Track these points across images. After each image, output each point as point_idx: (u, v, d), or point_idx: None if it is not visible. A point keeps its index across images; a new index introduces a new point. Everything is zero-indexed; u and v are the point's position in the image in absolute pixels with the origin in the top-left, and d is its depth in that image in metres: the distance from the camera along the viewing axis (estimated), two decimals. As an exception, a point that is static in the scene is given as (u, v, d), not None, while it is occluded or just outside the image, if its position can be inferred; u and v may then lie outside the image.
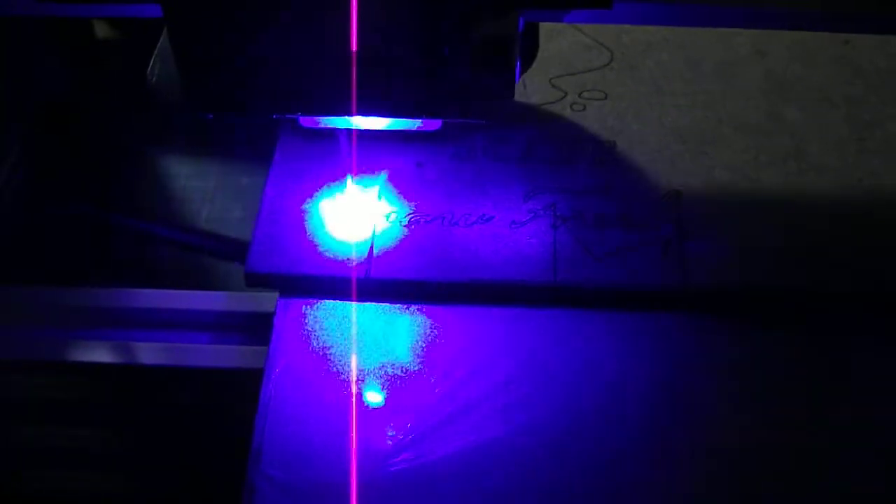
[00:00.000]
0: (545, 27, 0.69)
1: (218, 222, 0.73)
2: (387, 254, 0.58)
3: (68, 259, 0.70)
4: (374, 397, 0.53)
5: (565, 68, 0.68)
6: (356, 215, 0.60)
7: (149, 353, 0.61)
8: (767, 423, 0.53)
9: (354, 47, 0.45)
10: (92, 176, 0.76)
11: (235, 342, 0.61)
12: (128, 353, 0.62)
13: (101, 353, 0.61)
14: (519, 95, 0.66)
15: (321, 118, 0.58)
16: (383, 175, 0.61)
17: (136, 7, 0.46)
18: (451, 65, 0.47)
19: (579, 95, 0.67)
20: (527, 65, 0.60)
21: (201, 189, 0.76)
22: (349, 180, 0.60)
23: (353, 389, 0.55)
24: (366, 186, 0.61)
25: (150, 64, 0.53)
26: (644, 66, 0.68)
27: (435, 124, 0.59)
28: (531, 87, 0.67)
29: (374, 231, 0.59)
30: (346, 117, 0.56)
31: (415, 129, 0.57)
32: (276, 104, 0.48)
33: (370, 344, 0.56)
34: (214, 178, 0.76)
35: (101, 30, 0.88)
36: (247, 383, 0.57)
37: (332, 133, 0.62)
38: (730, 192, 0.62)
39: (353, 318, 0.57)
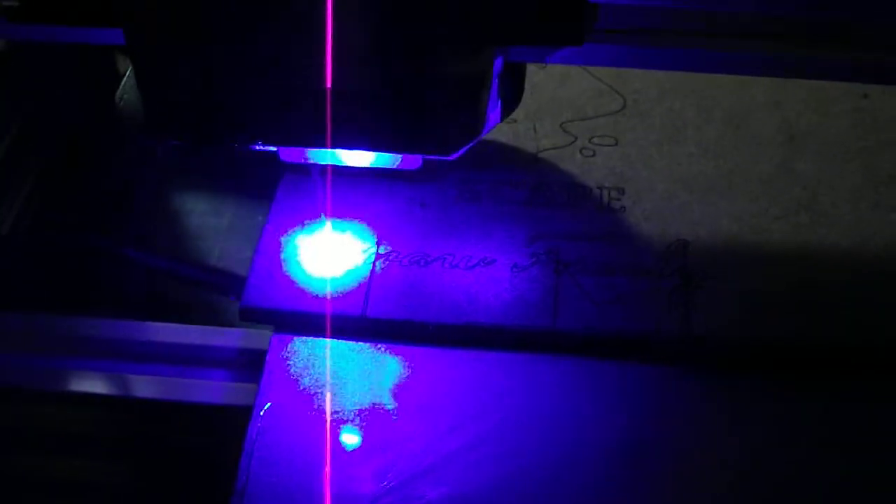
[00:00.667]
0: (557, 71, 0.69)
1: (230, 259, 0.73)
2: (384, 293, 0.58)
3: (77, 290, 0.70)
4: (351, 439, 0.52)
5: (576, 113, 0.67)
6: (355, 253, 0.59)
7: (146, 386, 0.61)
8: (763, 482, 0.52)
9: (324, 80, 0.44)
10: (107, 209, 0.76)
11: (236, 378, 0.61)
12: (124, 386, 0.61)
13: (96, 385, 0.61)
14: (528, 139, 0.66)
15: (305, 153, 0.57)
16: (382, 211, 0.61)
17: (100, 32, 0.45)
18: (419, 99, 0.46)
19: (589, 140, 0.66)
20: (510, 106, 0.59)
21: (215, 226, 0.76)
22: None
23: (341, 431, 0.54)
24: (365, 224, 0.61)
25: (121, 86, 0.53)
26: (655, 113, 0.68)
27: (416, 161, 0.58)
28: (541, 131, 0.66)
29: (373, 270, 0.59)
30: (327, 151, 0.55)
31: (395, 166, 0.56)
32: (236, 133, 0.47)
33: (362, 385, 0.55)
34: (229, 217, 0.76)
35: (124, 65, 0.89)
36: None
37: (336, 171, 0.62)
38: (738, 244, 0.60)
39: (347, 358, 0.56)
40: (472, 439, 0.53)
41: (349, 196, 0.62)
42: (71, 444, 0.63)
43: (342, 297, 0.57)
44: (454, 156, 0.58)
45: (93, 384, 0.61)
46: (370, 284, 0.58)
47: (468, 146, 0.57)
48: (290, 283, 0.58)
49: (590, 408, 0.54)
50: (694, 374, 0.55)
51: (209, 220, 0.76)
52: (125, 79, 0.67)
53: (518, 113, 0.66)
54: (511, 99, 0.60)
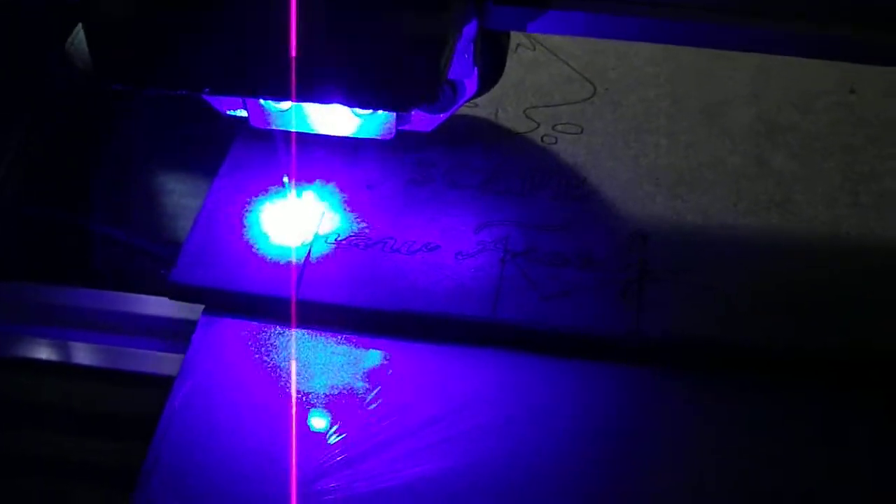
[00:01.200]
0: (527, 57, 0.66)
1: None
2: (319, 276, 0.54)
3: (42, 260, 0.68)
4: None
5: (542, 100, 0.64)
6: (295, 233, 0.56)
7: (88, 353, 0.59)
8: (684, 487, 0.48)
9: (279, 26, 0.42)
10: (87, 183, 0.74)
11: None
12: (67, 353, 0.59)
13: (39, 351, 0.59)
14: (489, 124, 0.63)
15: (272, 120, 0.55)
16: (329, 189, 0.58)
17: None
18: (376, 50, 0.43)
19: (553, 128, 0.62)
20: (488, 79, 0.56)
21: (192, 208, 0.74)
22: (287, 190, 0.57)
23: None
24: (310, 202, 0.58)
25: (74, 30, 0.50)
26: (627, 102, 0.64)
27: (389, 132, 0.55)
28: (503, 116, 0.63)
29: (309, 251, 0.56)
30: (297, 118, 0.53)
31: (367, 135, 0.54)
32: (184, 79, 0.45)
33: (286, 370, 0.52)
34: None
35: None
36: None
37: (288, 142, 0.59)
38: (702, 239, 0.57)
39: (275, 342, 0.53)
40: (395, 434, 0.50)
41: (299, 171, 0.59)
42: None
43: (274, 278, 0.54)
44: (429, 125, 0.57)
45: (38, 350, 0.59)
46: (304, 266, 0.55)
47: (438, 113, 0.56)
48: (223, 260, 0.55)
49: (520, 406, 0.51)
50: (640, 373, 0.52)
51: (188, 202, 0.74)
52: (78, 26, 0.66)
53: (480, 97, 0.64)
54: (489, 71, 0.57)
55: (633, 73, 0.66)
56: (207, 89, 0.44)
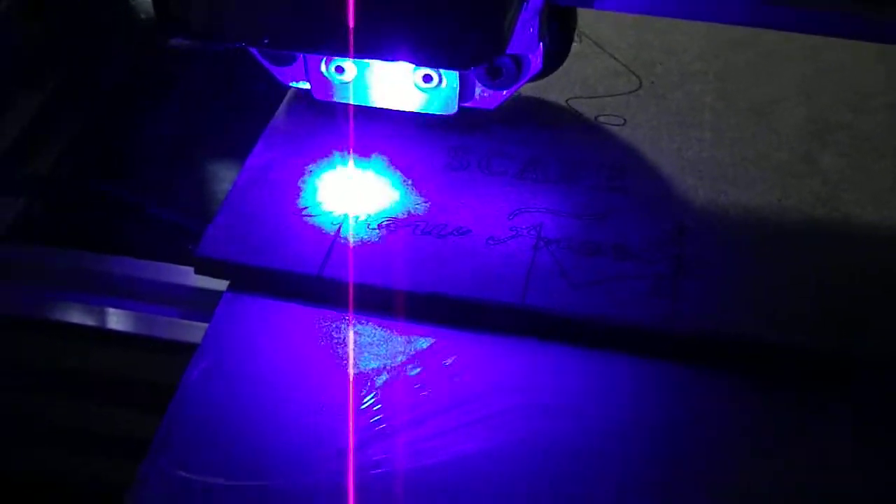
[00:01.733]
0: (573, 50, 0.65)
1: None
2: (346, 256, 0.53)
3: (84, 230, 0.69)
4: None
5: (586, 91, 0.63)
6: (325, 213, 0.55)
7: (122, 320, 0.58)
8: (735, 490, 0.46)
9: None
10: (149, 169, 0.75)
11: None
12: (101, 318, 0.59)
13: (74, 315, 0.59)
14: (530, 113, 0.61)
15: (334, 92, 0.55)
16: (363, 170, 0.58)
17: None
18: (437, 9, 0.42)
19: (595, 119, 0.61)
20: (553, 59, 0.56)
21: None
22: (342, 164, 0.57)
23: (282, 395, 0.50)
24: (342, 182, 0.57)
25: None
26: (673, 97, 0.62)
27: (451, 106, 0.56)
28: (545, 105, 0.62)
29: (338, 231, 0.55)
30: (360, 90, 0.52)
31: (433, 112, 0.54)
32: (243, 32, 0.44)
33: (309, 353, 0.51)
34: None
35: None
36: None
37: (338, 113, 0.59)
38: (742, 235, 0.55)
39: (298, 322, 0.52)
40: (412, 419, 0.48)
41: (336, 153, 0.59)
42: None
43: (300, 255, 0.54)
44: (492, 101, 0.57)
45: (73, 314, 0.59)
46: (332, 246, 0.54)
47: (501, 89, 0.55)
48: (249, 236, 0.54)
49: (550, 396, 0.49)
50: (670, 368, 0.50)
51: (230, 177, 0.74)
52: None
53: (523, 87, 0.63)
54: (555, 49, 0.57)
55: (681, 68, 0.64)
56: (266, 41, 0.43)
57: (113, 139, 0.78)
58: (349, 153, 0.58)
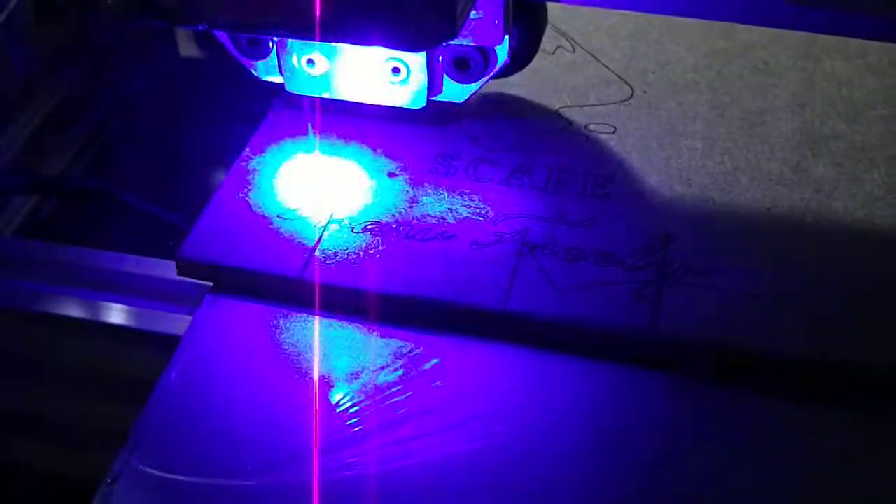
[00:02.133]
0: (565, 60, 0.64)
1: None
2: (328, 258, 0.53)
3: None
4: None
5: (578, 100, 0.62)
6: (310, 216, 0.55)
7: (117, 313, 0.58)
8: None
9: None
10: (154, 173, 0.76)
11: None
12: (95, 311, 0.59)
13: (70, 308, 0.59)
14: (519, 121, 0.61)
15: (306, 85, 0.55)
16: (349, 173, 0.57)
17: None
18: None
19: (585, 127, 0.61)
20: (520, 56, 0.56)
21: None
22: (327, 168, 0.57)
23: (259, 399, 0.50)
24: (327, 185, 0.57)
25: None
26: (665, 106, 0.62)
27: (420, 100, 0.56)
28: (535, 113, 0.61)
29: (321, 234, 0.54)
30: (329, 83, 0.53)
31: (403, 105, 0.55)
32: (210, 15, 0.45)
33: (287, 353, 0.51)
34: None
35: (185, 48, 0.89)
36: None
37: (325, 119, 0.59)
38: (729, 242, 0.54)
39: (278, 324, 0.52)
40: (385, 422, 0.48)
41: (321, 154, 0.59)
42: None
43: (283, 258, 0.53)
44: (460, 94, 0.57)
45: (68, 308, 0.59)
46: (315, 248, 0.54)
47: (469, 82, 0.56)
48: (232, 238, 0.54)
49: (525, 400, 0.48)
50: (650, 376, 0.49)
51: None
52: None
53: (513, 94, 0.62)
54: (523, 45, 0.57)
55: (674, 78, 0.64)
56: (228, 24, 0.44)
57: (116, 142, 0.79)
58: (334, 158, 0.58)
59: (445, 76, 0.57)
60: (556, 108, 0.62)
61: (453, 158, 0.59)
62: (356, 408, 0.48)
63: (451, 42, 0.55)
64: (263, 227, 0.55)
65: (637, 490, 0.45)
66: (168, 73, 0.84)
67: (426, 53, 0.55)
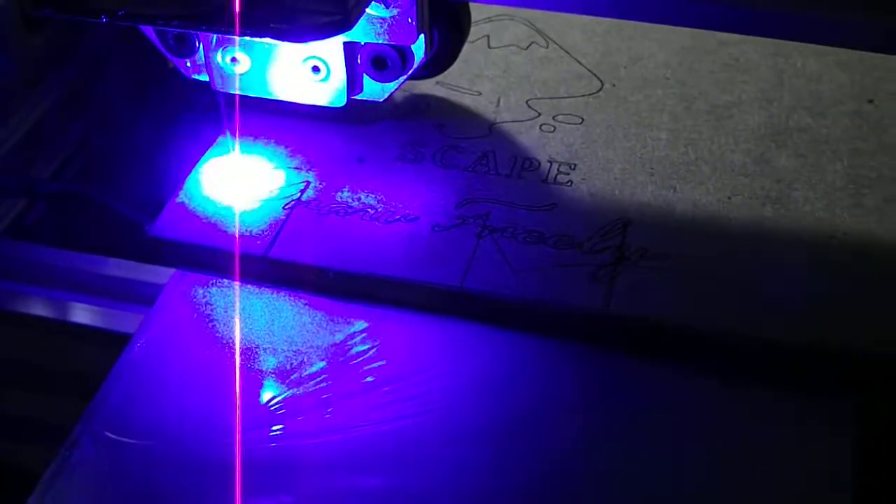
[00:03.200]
0: (538, 54, 0.66)
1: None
2: (293, 237, 0.54)
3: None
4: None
5: (548, 93, 0.64)
6: (278, 198, 0.56)
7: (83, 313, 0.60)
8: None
9: None
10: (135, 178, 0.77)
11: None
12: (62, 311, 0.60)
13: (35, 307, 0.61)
14: (488, 112, 0.62)
15: (232, 83, 0.57)
16: (317, 159, 0.59)
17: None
18: None
19: (553, 118, 0.62)
20: (441, 57, 0.57)
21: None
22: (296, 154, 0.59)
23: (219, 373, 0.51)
24: (295, 171, 0.58)
25: None
26: (633, 99, 0.63)
27: (339, 99, 0.57)
28: (504, 105, 0.62)
29: (289, 215, 0.56)
30: (253, 84, 0.54)
31: (323, 104, 0.56)
32: (106, 7, 0.46)
33: (252, 330, 0.52)
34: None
35: None
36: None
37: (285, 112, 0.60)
38: (688, 229, 0.55)
39: (240, 301, 0.53)
40: (349, 390, 0.49)
41: (289, 140, 0.60)
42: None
43: (249, 236, 0.54)
44: (379, 94, 0.57)
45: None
46: (281, 227, 0.55)
47: (385, 81, 0.57)
48: (201, 219, 0.55)
49: (477, 376, 0.49)
50: (604, 354, 0.50)
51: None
52: None
53: (484, 86, 0.64)
54: (442, 45, 0.58)
55: (644, 73, 0.65)
56: (121, 13, 0.45)
57: (100, 146, 0.81)
58: (305, 145, 0.60)
59: (365, 75, 0.58)
60: (526, 100, 0.63)
61: (421, 146, 0.60)
62: (312, 381, 0.50)
63: (368, 41, 0.56)
64: (232, 210, 0.56)
65: (579, 461, 0.46)
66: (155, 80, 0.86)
67: (345, 52, 0.56)
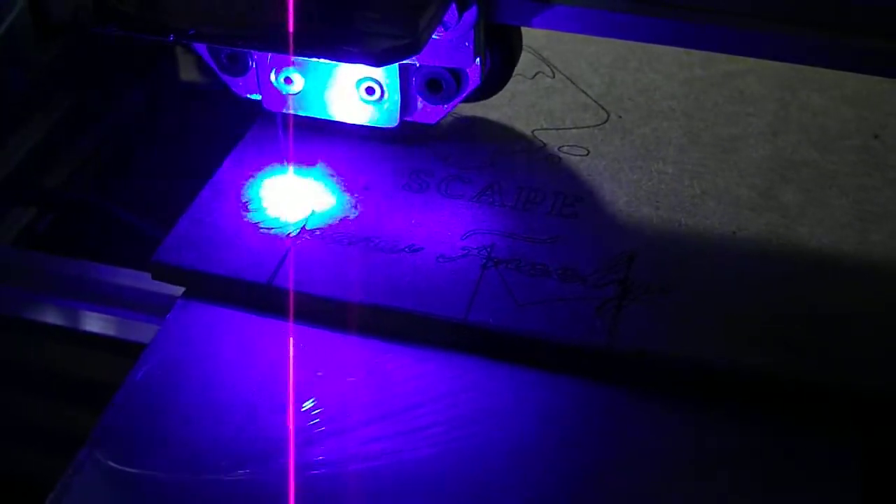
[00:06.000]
0: (543, 85, 0.66)
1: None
2: (297, 266, 0.54)
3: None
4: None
5: (554, 123, 0.64)
6: (282, 224, 0.56)
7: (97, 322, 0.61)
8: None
9: None
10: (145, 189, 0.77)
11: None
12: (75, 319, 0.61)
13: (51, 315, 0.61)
14: (494, 142, 0.62)
15: (284, 103, 0.57)
16: (323, 185, 0.59)
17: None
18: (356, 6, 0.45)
19: (559, 149, 0.62)
20: (494, 79, 0.57)
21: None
22: (283, 173, 0.59)
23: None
24: (302, 196, 0.58)
25: None
26: (639, 132, 0.63)
27: (392, 119, 0.57)
28: (510, 135, 0.62)
29: (292, 243, 0.56)
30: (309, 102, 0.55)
31: (377, 125, 0.57)
32: (175, 28, 0.46)
33: (253, 357, 0.52)
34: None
35: (186, 73, 0.91)
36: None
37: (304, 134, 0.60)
38: (692, 263, 0.55)
39: (244, 330, 0.53)
40: (344, 426, 0.49)
41: (300, 165, 0.60)
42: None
43: (252, 264, 0.54)
44: (433, 116, 0.58)
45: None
46: (286, 256, 0.55)
47: (440, 103, 0.58)
48: (206, 244, 0.55)
49: (480, 408, 0.49)
50: (607, 390, 0.50)
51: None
52: None
53: (489, 115, 0.64)
54: (496, 68, 0.58)
55: (651, 105, 0.65)
56: (191, 33, 0.45)
57: (114, 160, 0.81)
58: (310, 171, 0.60)
59: (419, 97, 0.59)
60: (531, 130, 0.63)
61: (426, 175, 0.60)
62: (317, 411, 0.50)
63: (424, 63, 0.57)
64: (237, 235, 0.56)
65: (583, 496, 0.46)
66: (168, 94, 0.86)
67: (399, 74, 0.57)
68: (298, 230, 0.56)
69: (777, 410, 0.48)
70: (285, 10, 0.45)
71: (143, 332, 0.59)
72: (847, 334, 0.50)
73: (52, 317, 0.61)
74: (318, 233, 0.56)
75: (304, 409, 0.49)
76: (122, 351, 0.59)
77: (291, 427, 0.48)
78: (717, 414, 0.49)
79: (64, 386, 0.61)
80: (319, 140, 0.61)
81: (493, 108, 0.64)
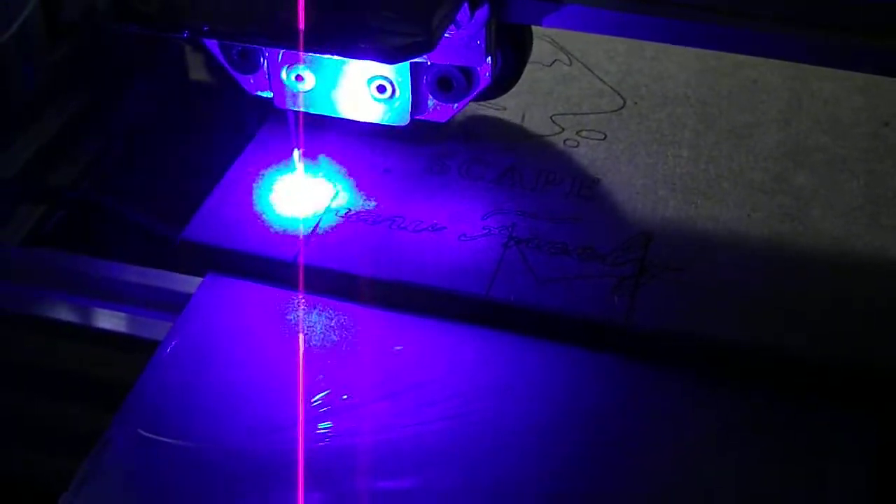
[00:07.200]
0: (561, 72, 0.67)
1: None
2: (322, 244, 0.56)
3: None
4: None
5: (571, 109, 0.65)
6: (308, 205, 0.58)
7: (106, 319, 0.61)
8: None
9: None
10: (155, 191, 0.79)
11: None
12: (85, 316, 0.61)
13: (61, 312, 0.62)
14: (513, 126, 0.64)
15: (296, 101, 0.58)
16: (347, 169, 0.60)
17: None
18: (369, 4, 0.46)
19: (577, 133, 0.63)
20: (505, 78, 0.58)
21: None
22: (302, 165, 0.59)
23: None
24: (327, 179, 0.60)
25: None
26: (655, 117, 0.64)
27: (404, 117, 0.58)
28: (528, 120, 0.64)
29: (318, 221, 0.57)
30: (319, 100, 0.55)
31: (388, 123, 0.58)
32: (192, 24, 0.47)
33: (282, 333, 0.53)
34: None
35: (195, 73, 0.92)
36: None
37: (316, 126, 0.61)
38: (708, 244, 0.56)
39: (271, 305, 0.54)
40: (373, 397, 0.50)
41: (321, 151, 0.61)
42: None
43: (279, 242, 0.56)
44: (443, 114, 0.58)
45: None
46: (311, 234, 0.56)
47: (451, 102, 0.58)
48: (232, 224, 0.57)
49: (501, 382, 0.51)
50: (626, 364, 0.51)
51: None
52: None
53: (508, 102, 0.65)
54: (507, 66, 0.59)
55: (666, 92, 0.66)
56: (206, 29, 0.46)
57: (122, 159, 0.82)
58: (334, 154, 0.61)
59: (429, 95, 0.59)
60: (550, 115, 0.64)
61: (448, 157, 0.61)
62: (340, 383, 0.51)
63: (435, 61, 0.57)
64: (261, 215, 0.58)
65: (599, 467, 0.47)
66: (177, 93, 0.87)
67: (410, 72, 0.57)
68: (323, 210, 0.58)
69: (791, 387, 0.50)
70: (299, 6, 0.45)
71: (152, 328, 0.60)
72: (858, 312, 0.52)
73: (61, 314, 0.61)
74: (342, 213, 0.58)
75: (325, 380, 0.51)
76: (132, 347, 0.60)
77: (305, 401, 0.50)
78: (734, 390, 0.50)
79: (74, 383, 0.62)
80: (340, 126, 0.63)
81: (512, 95, 0.65)
